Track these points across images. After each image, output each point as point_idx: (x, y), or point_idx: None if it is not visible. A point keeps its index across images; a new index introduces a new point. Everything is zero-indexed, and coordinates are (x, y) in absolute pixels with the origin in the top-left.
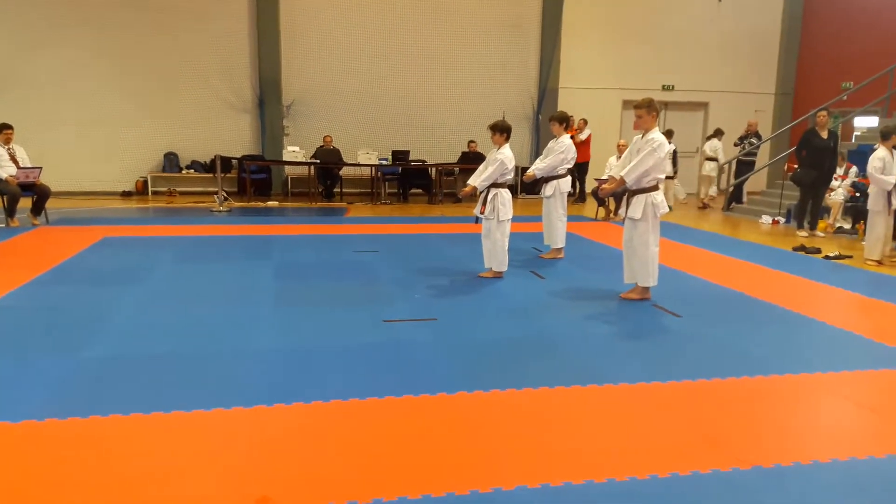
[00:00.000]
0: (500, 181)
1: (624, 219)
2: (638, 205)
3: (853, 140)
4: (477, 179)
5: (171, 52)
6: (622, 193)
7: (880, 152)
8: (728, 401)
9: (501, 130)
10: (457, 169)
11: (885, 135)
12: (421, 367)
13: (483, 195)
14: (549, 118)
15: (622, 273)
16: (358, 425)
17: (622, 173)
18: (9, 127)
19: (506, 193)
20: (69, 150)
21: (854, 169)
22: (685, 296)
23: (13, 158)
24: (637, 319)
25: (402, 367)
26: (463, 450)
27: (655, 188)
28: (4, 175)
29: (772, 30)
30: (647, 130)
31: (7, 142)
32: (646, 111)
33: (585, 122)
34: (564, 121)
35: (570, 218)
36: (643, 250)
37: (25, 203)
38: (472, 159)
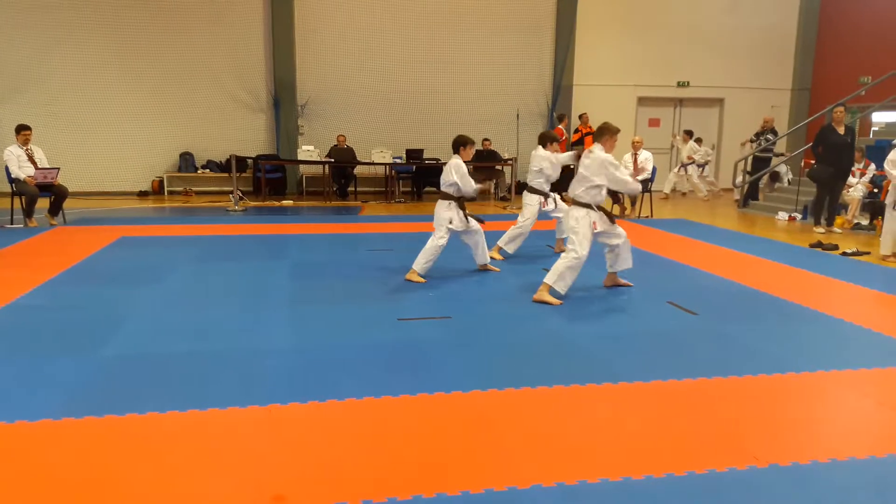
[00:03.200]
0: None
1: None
2: None
3: (871, 136)
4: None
5: (186, 53)
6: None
7: None
8: (744, 399)
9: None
10: (471, 167)
11: None
12: (436, 365)
13: None
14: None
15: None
16: (373, 424)
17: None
18: (27, 128)
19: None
20: (86, 150)
21: (872, 166)
22: (701, 293)
23: (31, 159)
24: (652, 317)
25: (417, 365)
26: (478, 448)
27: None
28: (23, 175)
29: (788, 24)
30: None
31: (25, 143)
32: None
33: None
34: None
35: None
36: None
37: (43, 203)
38: (486, 157)
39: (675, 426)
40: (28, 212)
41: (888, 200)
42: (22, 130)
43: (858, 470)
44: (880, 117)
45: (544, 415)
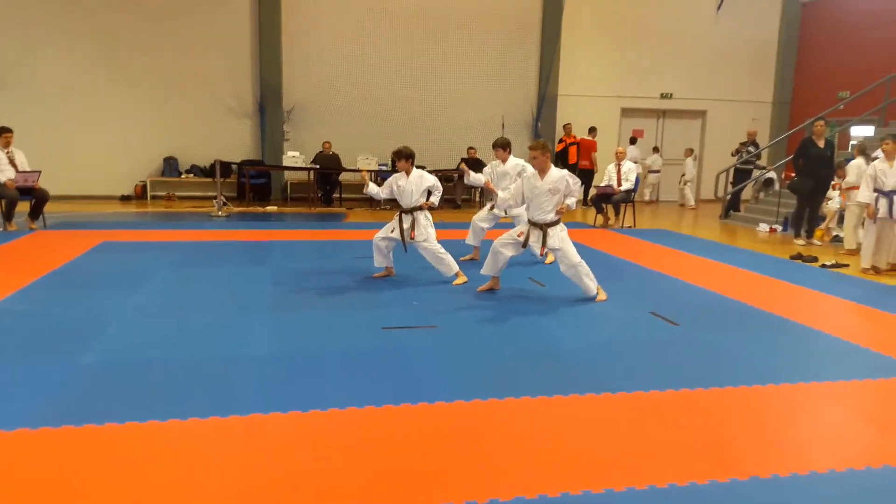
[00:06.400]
0: None
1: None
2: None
3: (850, 149)
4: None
5: (172, 56)
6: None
7: (878, 163)
8: (726, 410)
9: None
10: (456, 175)
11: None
12: (419, 375)
13: None
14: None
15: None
16: (355, 434)
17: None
18: (8, 131)
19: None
20: (69, 153)
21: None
22: (683, 304)
23: (12, 162)
24: (635, 328)
25: (401, 375)
26: (460, 460)
27: None
28: (3, 179)
29: (770, 39)
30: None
31: (6, 146)
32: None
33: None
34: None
35: (568, 225)
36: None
37: (24, 207)
38: (471, 165)
39: (657, 437)
40: (7, 215)
41: (865, 214)
42: (3, 133)
43: (838, 482)
44: (858, 131)
45: (527, 426)
